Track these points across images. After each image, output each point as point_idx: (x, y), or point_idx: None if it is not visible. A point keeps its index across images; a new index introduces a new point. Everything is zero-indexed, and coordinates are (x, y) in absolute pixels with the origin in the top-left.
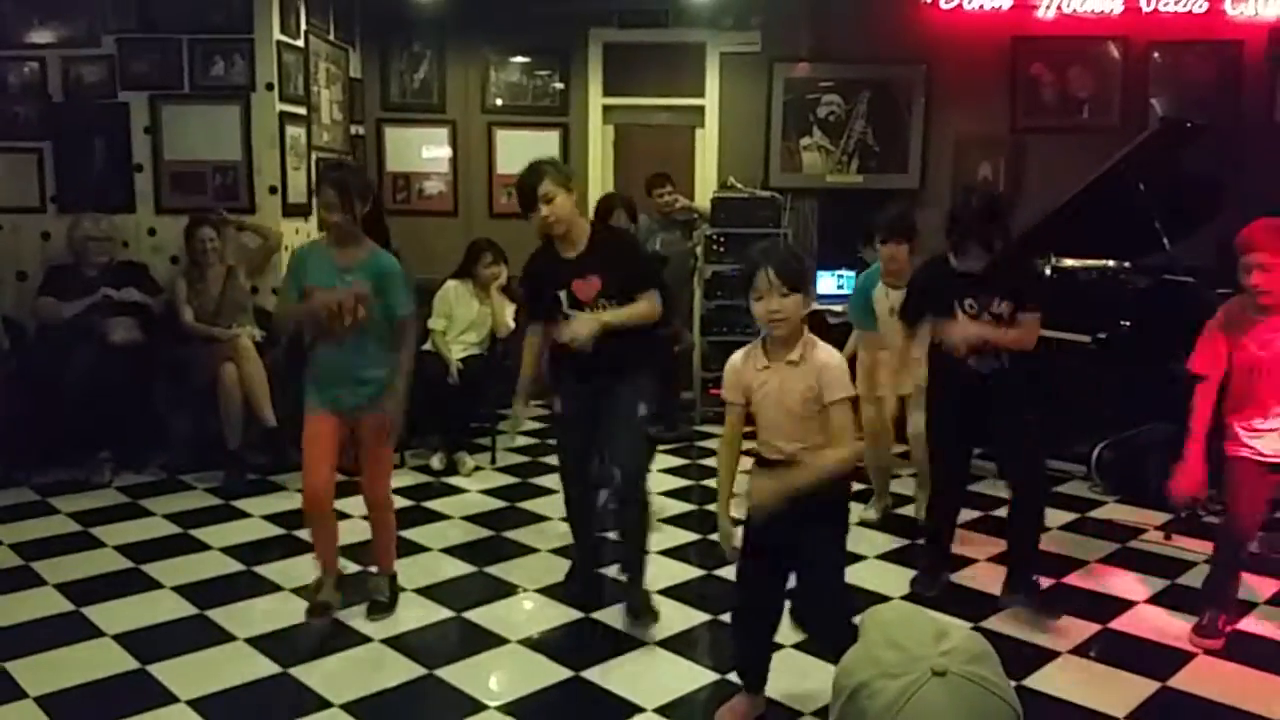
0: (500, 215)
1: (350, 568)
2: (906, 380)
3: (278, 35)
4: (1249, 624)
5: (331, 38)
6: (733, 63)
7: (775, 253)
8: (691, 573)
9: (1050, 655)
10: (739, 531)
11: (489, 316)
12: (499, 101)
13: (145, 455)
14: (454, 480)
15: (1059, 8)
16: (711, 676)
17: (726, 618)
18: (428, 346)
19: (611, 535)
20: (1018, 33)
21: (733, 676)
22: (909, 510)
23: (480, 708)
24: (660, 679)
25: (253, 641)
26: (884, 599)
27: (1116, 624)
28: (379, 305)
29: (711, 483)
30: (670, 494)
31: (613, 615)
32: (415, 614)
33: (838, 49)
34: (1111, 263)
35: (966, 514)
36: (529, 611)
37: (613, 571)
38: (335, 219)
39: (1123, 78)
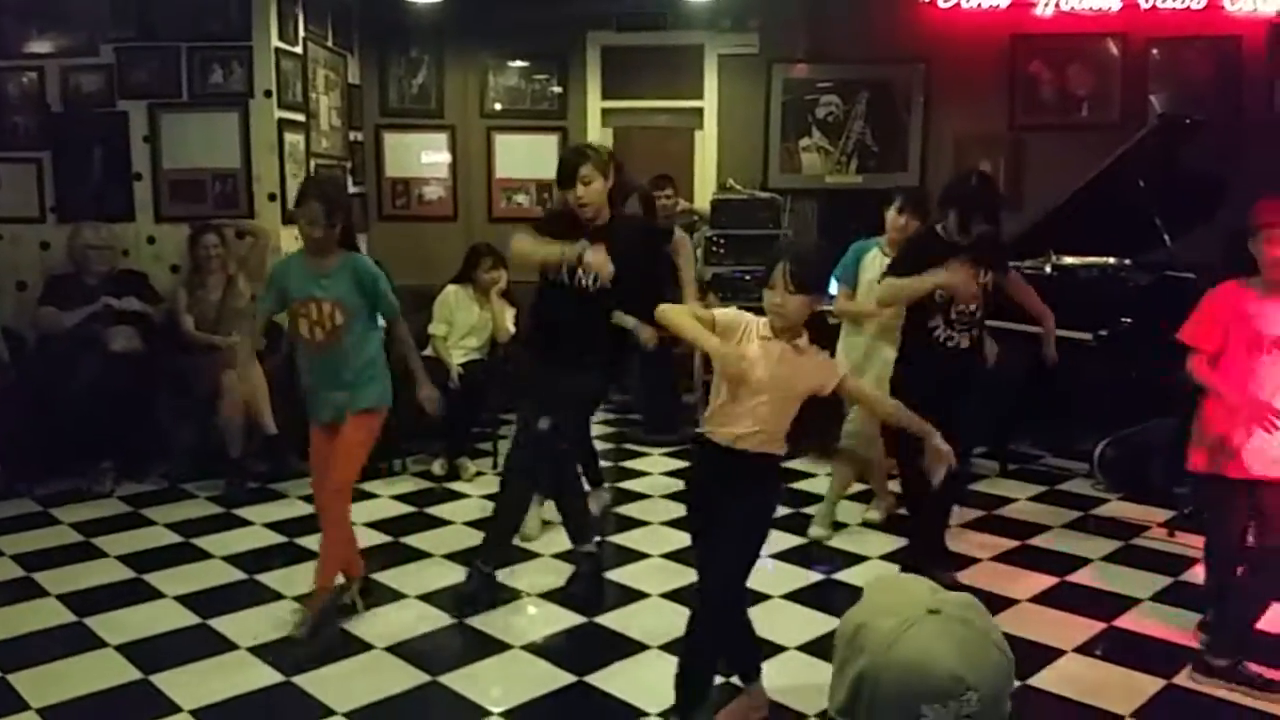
0: (500, 219)
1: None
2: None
3: (276, 42)
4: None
5: (330, 44)
6: (731, 64)
7: (796, 252)
8: (691, 575)
9: (1055, 654)
10: None
11: (489, 321)
12: (498, 106)
13: (147, 464)
14: (455, 485)
15: (1057, 5)
16: (714, 680)
17: None
18: (428, 352)
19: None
20: (1016, 31)
21: (736, 680)
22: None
23: (484, 714)
24: (663, 683)
25: (255, 650)
26: None
27: (1121, 622)
28: (362, 307)
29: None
30: (671, 497)
31: (616, 620)
32: (417, 620)
33: (836, 49)
34: (1112, 260)
35: (969, 512)
36: (531, 616)
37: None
38: (317, 234)
39: (1121, 75)
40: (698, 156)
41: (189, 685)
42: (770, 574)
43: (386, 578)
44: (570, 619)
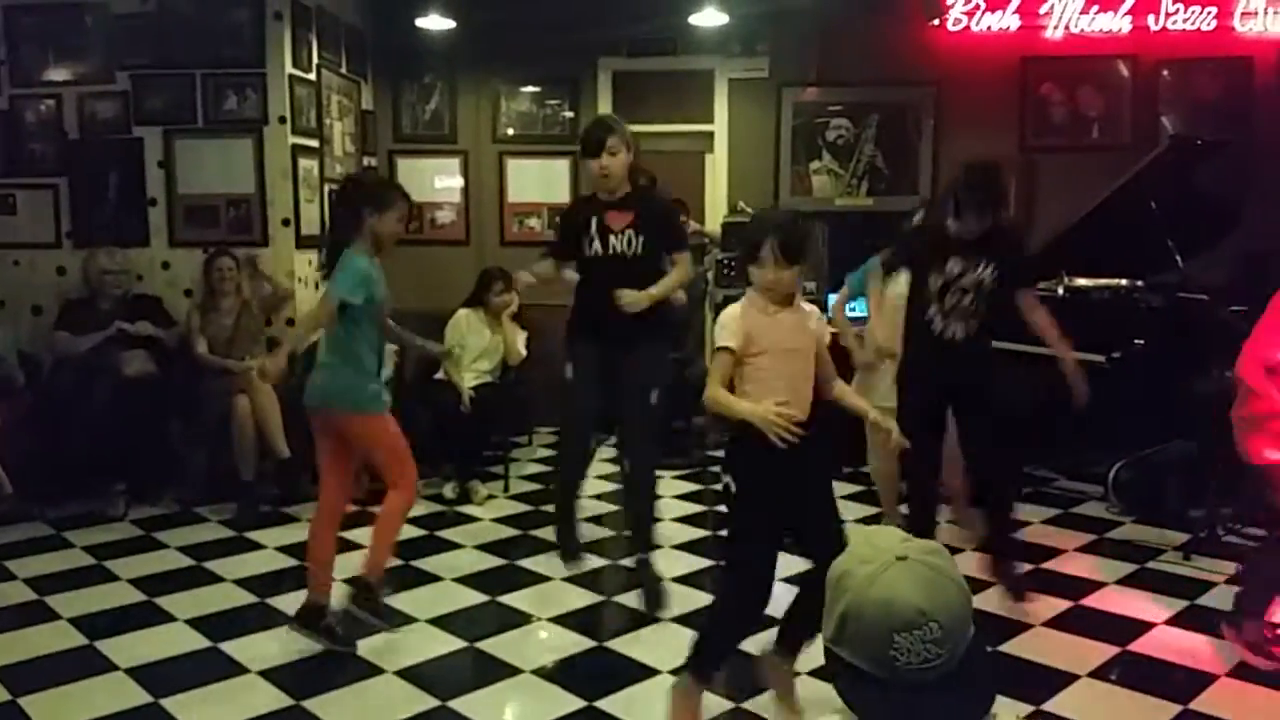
0: (512, 244)
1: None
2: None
3: (290, 69)
4: None
5: (344, 71)
6: (741, 88)
7: (780, 226)
8: (706, 599)
9: (1070, 678)
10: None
11: (501, 344)
12: (510, 131)
13: (159, 488)
14: (467, 509)
15: (1067, 27)
16: (725, 705)
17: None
18: (440, 375)
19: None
20: (1026, 53)
21: (748, 705)
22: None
23: None
24: None
25: (266, 674)
26: None
27: (1136, 646)
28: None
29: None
30: (683, 520)
31: (626, 644)
32: (427, 644)
33: (846, 73)
34: (1124, 281)
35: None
36: (542, 641)
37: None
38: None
39: (1132, 96)
40: (709, 180)
41: (199, 709)
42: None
43: (397, 601)
44: (580, 643)
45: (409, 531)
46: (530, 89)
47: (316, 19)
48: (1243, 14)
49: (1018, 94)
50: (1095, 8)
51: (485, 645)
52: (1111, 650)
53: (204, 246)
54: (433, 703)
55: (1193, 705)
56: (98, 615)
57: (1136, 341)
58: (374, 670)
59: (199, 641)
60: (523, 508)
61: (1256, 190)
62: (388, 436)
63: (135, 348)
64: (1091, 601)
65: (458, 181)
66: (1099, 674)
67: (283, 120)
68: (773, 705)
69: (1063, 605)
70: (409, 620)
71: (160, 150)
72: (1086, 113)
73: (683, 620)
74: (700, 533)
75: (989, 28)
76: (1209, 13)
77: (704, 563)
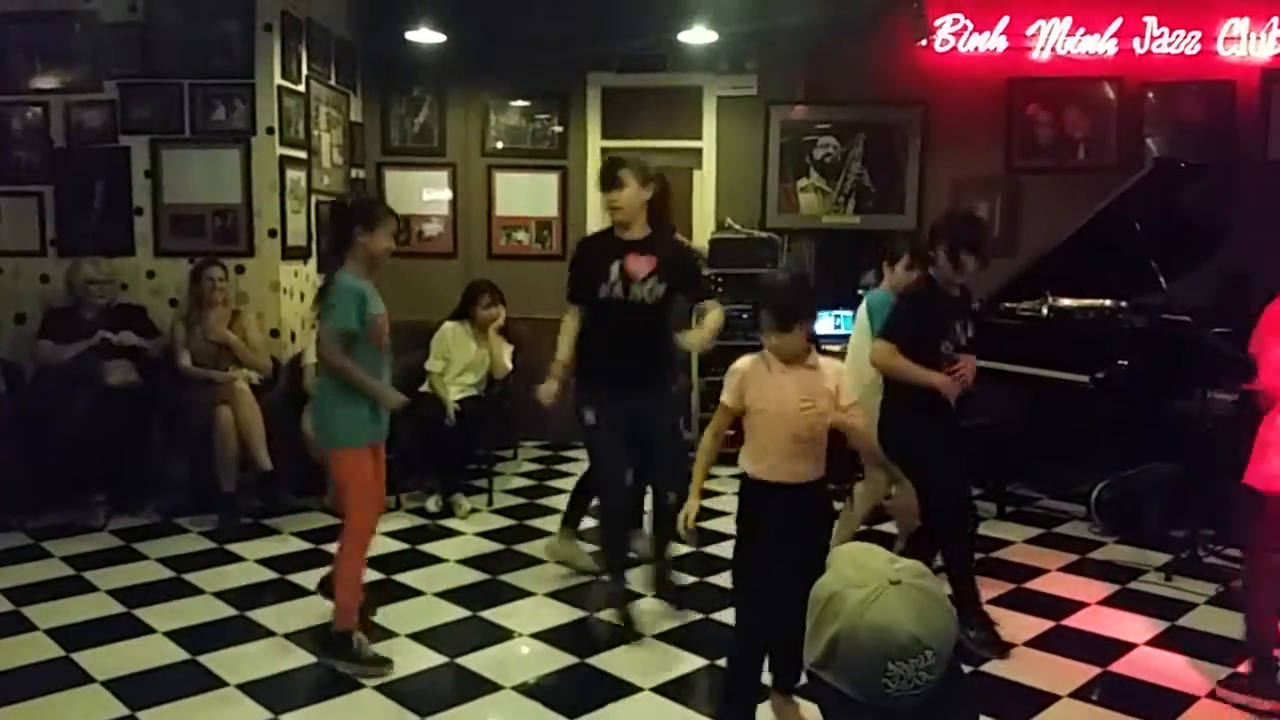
0: (499, 256)
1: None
2: None
3: (279, 80)
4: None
5: (333, 83)
6: (730, 105)
7: (772, 294)
8: (689, 616)
9: (1051, 699)
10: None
11: (487, 358)
12: (499, 144)
13: (140, 498)
14: (450, 523)
15: (1054, 50)
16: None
17: (723, 662)
18: (425, 388)
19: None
20: (1013, 74)
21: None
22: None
23: None
24: None
25: (244, 688)
26: None
27: (1117, 667)
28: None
29: (710, 524)
30: None
31: (609, 661)
32: (408, 660)
33: (834, 92)
34: (1109, 302)
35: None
36: (524, 657)
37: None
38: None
39: (1118, 118)
40: (696, 196)
41: None
42: None
43: (378, 616)
44: (562, 659)
45: (390, 545)
46: (519, 103)
47: (306, 31)
48: (1226, 39)
49: (1004, 115)
50: (1081, 30)
51: (466, 661)
52: (1093, 670)
53: (190, 256)
54: (412, 719)
55: None
56: (75, 626)
57: (1120, 362)
58: (353, 685)
59: (178, 654)
60: (506, 522)
61: (1238, 213)
62: (342, 473)
63: (118, 357)
64: (1073, 621)
65: (446, 194)
66: (1080, 694)
67: (270, 131)
68: None
69: (1044, 625)
70: (389, 635)
71: (147, 159)
72: (1072, 134)
73: (665, 638)
74: (682, 549)
75: (976, 49)
76: (1193, 37)
77: (686, 579)
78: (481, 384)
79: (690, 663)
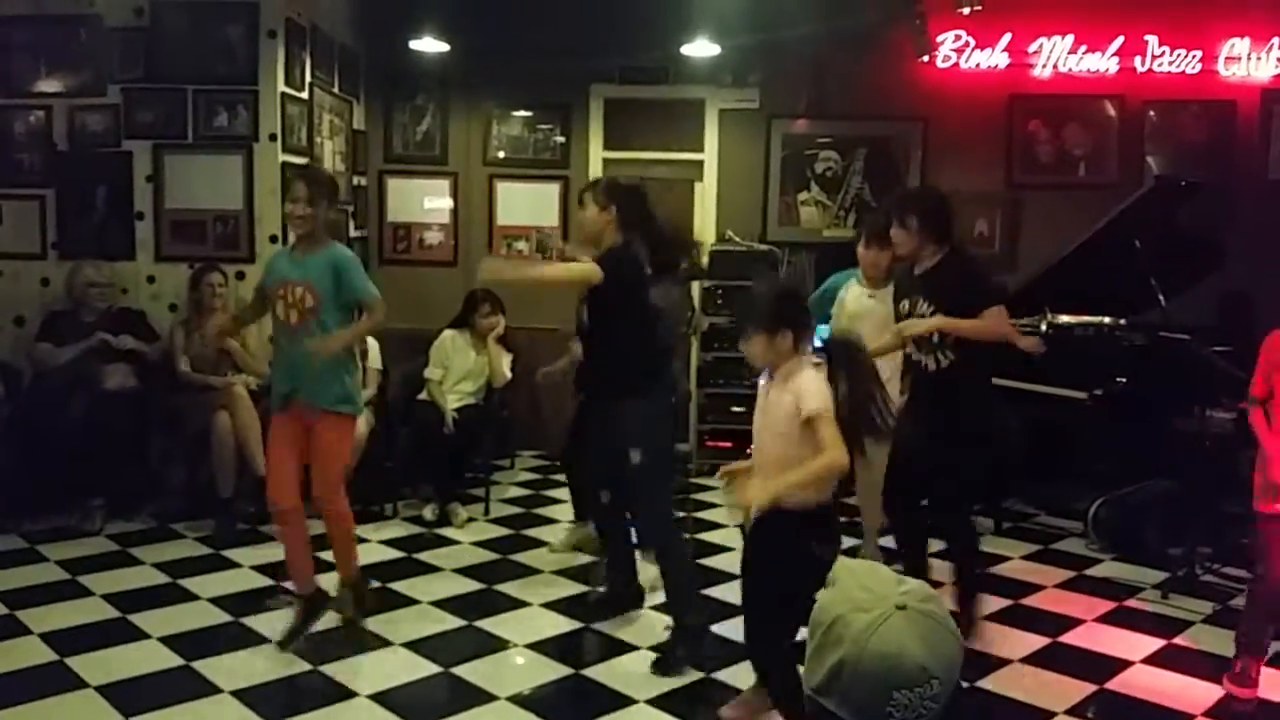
0: None
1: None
2: None
3: (282, 87)
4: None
5: (336, 90)
6: (731, 119)
7: (742, 304)
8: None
9: (1046, 715)
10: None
11: (486, 366)
12: (501, 154)
13: (137, 503)
14: (446, 531)
15: (1055, 67)
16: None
17: (718, 676)
18: (423, 396)
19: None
20: (1015, 91)
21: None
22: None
23: None
24: None
25: (238, 694)
26: None
27: (1113, 684)
28: (334, 295)
29: (705, 536)
30: None
31: (603, 672)
32: (403, 669)
33: (835, 106)
34: (1107, 319)
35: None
36: (519, 667)
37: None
38: (300, 213)
39: (1118, 136)
40: (697, 208)
41: None
42: None
43: (373, 624)
44: (557, 670)
45: (387, 554)
46: (522, 113)
47: (310, 38)
48: (1227, 59)
49: (1005, 131)
50: (1083, 48)
51: (461, 671)
52: (1089, 688)
53: (190, 262)
54: None
55: None
56: (70, 631)
57: (1118, 379)
58: (347, 694)
59: (173, 659)
60: (503, 532)
61: (1237, 231)
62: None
63: (117, 361)
64: (1070, 638)
65: (447, 203)
66: (1076, 711)
67: (273, 138)
68: None
69: (1041, 642)
70: (385, 644)
71: (149, 164)
72: (1073, 151)
73: (659, 649)
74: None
75: (978, 65)
76: (1194, 56)
77: None
78: (480, 393)
79: (686, 675)
